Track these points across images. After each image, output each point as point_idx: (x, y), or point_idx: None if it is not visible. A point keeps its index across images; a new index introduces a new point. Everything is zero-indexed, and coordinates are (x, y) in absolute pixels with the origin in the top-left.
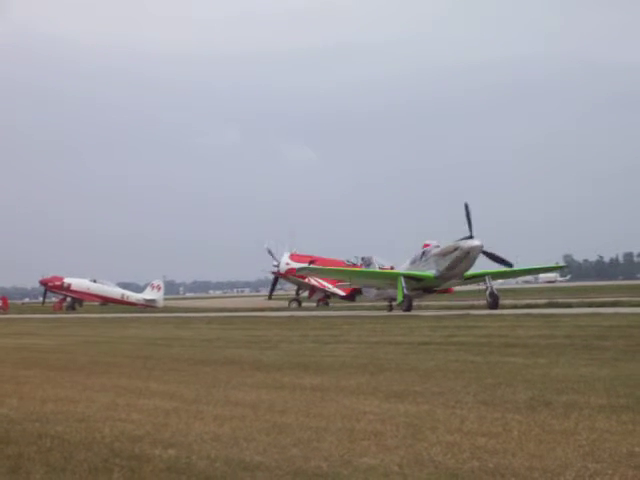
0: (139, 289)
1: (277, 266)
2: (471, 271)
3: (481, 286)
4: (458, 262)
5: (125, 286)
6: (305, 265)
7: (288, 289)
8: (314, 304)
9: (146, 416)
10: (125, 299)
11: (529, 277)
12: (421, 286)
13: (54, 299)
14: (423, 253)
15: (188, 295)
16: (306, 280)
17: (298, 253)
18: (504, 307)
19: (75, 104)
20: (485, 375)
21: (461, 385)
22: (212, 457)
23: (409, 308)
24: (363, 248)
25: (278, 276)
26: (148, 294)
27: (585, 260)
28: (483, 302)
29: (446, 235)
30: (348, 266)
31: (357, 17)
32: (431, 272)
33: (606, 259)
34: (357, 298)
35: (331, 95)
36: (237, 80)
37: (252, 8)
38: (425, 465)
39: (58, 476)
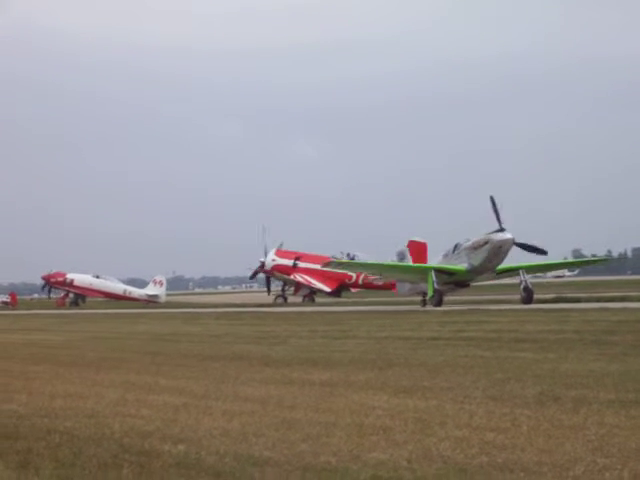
0: (146, 285)
1: (263, 263)
2: (505, 264)
3: (515, 280)
4: (489, 256)
5: (132, 282)
6: (342, 260)
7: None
8: (299, 300)
9: (155, 412)
10: (127, 295)
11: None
12: (453, 280)
13: (53, 295)
14: (455, 247)
15: (197, 290)
16: (291, 276)
17: (284, 249)
18: (513, 302)
19: (75, 98)
20: (494, 370)
21: (470, 380)
22: (221, 452)
23: (439, 303)
24: (363, 242)
25: (264, 273)
26: (150, 290)
27: (593, 255)
28: (517, 297)
29: (447, 230)
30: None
31: (358, 13)
32: (463, 266)
33: (614, 254)
34: (342, 294)
35: (331, 91)
36: (237, 75)
37: (252, 3)
38: (434, 460)
39: (67, 471)
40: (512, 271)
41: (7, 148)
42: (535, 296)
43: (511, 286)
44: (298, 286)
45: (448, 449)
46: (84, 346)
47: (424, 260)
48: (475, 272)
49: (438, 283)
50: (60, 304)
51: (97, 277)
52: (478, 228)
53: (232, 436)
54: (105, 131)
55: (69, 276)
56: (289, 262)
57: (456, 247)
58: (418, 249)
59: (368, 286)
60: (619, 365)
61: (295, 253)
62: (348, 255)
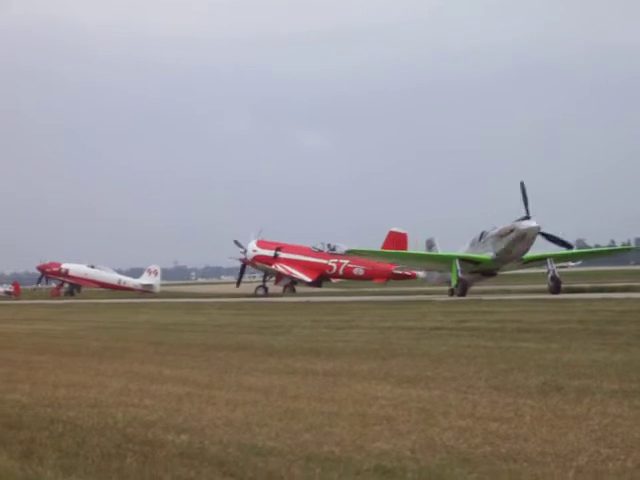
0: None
1: (244, 253)
2: (532, 253)
3: (543, 269)
4: (515, 244)
5: (134, 272)
6: (365, 249)
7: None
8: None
9: (159, 401)
10: (122, 284)
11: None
12: (479, 269)
13: (40, 285)
14: (481, 235)
15: (200, 280)
16: (273, 266)
17: (265, 240)
18: (514, 292)
19: (77, 88)
20: (497, 360)
21: (473, 370)
22: (225, 442)
23: (463, 292)
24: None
25: (246, 263)
26: (145, 279)
27: (597, 245)
28: (545, 286)
29: (452, 222)
30: (315, 253)
31: (359, 1)
32: (488, 254)
33: (618, 244)
34: (323, 284)
35: (333, 79)
36: (241, 64)
37: None
38: (437, 450)
39: (71, 461)
40: (539, 260)
41: (10, 138)
42: (538, 286)
43: (542, 276)
44: (279, 276)
45: (451, 439)
46: (87, 336)
47: (403, 249)
48: (501, 261)
49: (463, 272)
50: (55, 294)
51: (92, 267)
52: (480, 218)
53: (235, 426)
54: (108, 121)
55: (64, 266)
56: (270, 252)
57: (482, 235)
58: (398, 240)
59: (349, 276)
60: (623, 355)
61: (276, 244)
62: (329, 246)
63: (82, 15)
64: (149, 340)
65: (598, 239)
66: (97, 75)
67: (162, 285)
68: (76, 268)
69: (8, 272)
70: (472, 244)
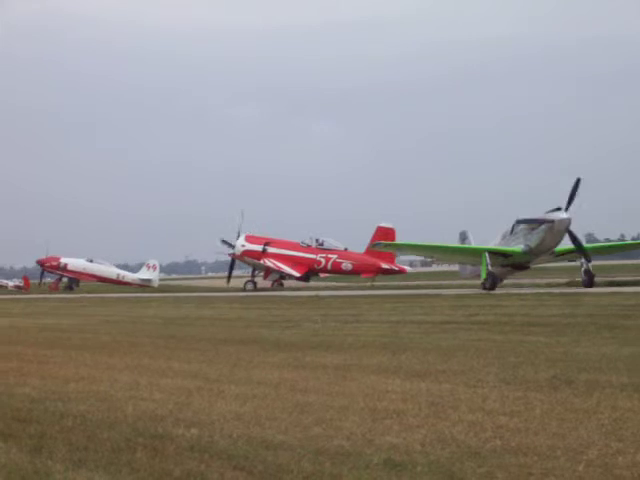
0: (160, 269)
1: (233, 249)
2: (564, 246)
3: (576, 263)
4: (545, 236)
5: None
6: (394, 242)
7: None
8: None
9: (168, 395)
10: (121, 279)
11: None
12: (510, 262)
13: (43, 281)
14: (513, 227)
15: (210, 275)
16: (261, 261)
17: (253, 235)
18: (524, 286)
19: (92, 82)
20: (507, 354)
21: (483, 364)
22: (234, 436)
23: (493, 286)
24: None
25: (234, 258)
26: (144, 274)
27: (607, 239)
28: (578, 279)
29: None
30: (303, 248)
31: None
32: (519, 247)
33: (628, 238)
34: (311, 279)
35: (342, 70)
36: (251, 54)
37: None
38: (447, 444)
39: (81, 455)
40: (572, 253)
41: (24, 135)
42: (548, 280)
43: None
44: (268, 271)
45: (461, 433)
46: (97, 330)
47: None
48: (532, 253)
49: (494, 265)
50: (53, 288)
51: (91, 261)
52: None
53: (245, 420)
54: (119, 114)
55: (63, 260)
56: (259, 247)
57: (514, 228)
58: (386, 234)
59: (337, 271)
60: (632, 349)
61: (265, 238)
62: (317, 241)
63: (96, 9)
64: (159, 334)
65: (608, 233)
66: (101, 66)
67: (173, 279)
68: (75, 262)
69: (18, 266)
70: (504, 237)
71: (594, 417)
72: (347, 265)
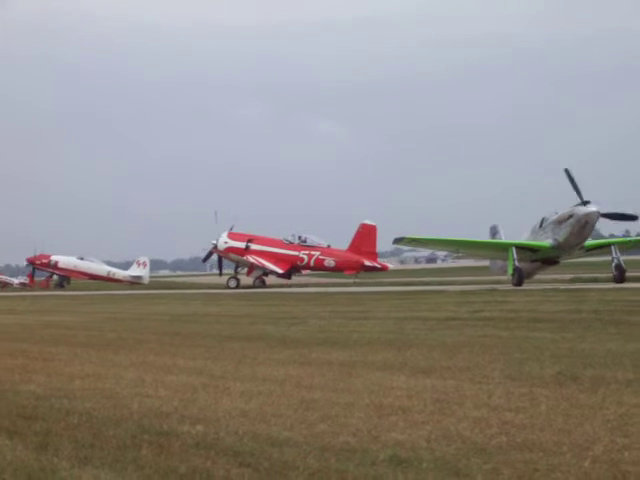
0: (166, 265)
1: (215, 245)
2: (595, 240)
3: (607, 258)
4: (574, 230)
5: (155, 264)
6: (416, 236)
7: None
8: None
9: (174, 392)
10: (111, 276)
11: None
12: (538, 257)
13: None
14: (542, 221)
15: (214, 272)
16: (245, 258)
17: (236, 232)
18: (530, 282)
19: (95, 77)
20: (512, 350)
21: (488, 360)
22: (240, 433)
23: (520, 282)
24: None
25: (217, 254)
26: (134, 271)
27: (611, 234)
28: (609, 275)
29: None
30: (286, 245)
31: None
32: (547, 242)
33: (632, 233)
34: (293, 275)
35: (342, 67)
36: (251, 52)
37: None
38: (453, 440)
39: (86, 452)
40: (603, 247)
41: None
42: (552, 276)
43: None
44: (251, 268)
45: (467, 429)
46: (102, 327)
47: (373, 242)
48: (561, 248)
49: (522, 260)
50: (44, 286)
51: (81, 259)
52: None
53: (250, 416)
54: (125, 111)
55: (53, 258)
56: (241, 244)
57: (542, 222)
58: (368, 231)
59: (320, 268)
60: (638, 345)
61: (247, 235)
62: (300, 238)
63: (99, 5)
64: (164, 331)
65: (613, 228)
66: (103, 60)
67: (181, 276)
68: (65, 260)
69: (23, 264)
70: (532, 231)
71: (600, 413)
72: (330, 262)
